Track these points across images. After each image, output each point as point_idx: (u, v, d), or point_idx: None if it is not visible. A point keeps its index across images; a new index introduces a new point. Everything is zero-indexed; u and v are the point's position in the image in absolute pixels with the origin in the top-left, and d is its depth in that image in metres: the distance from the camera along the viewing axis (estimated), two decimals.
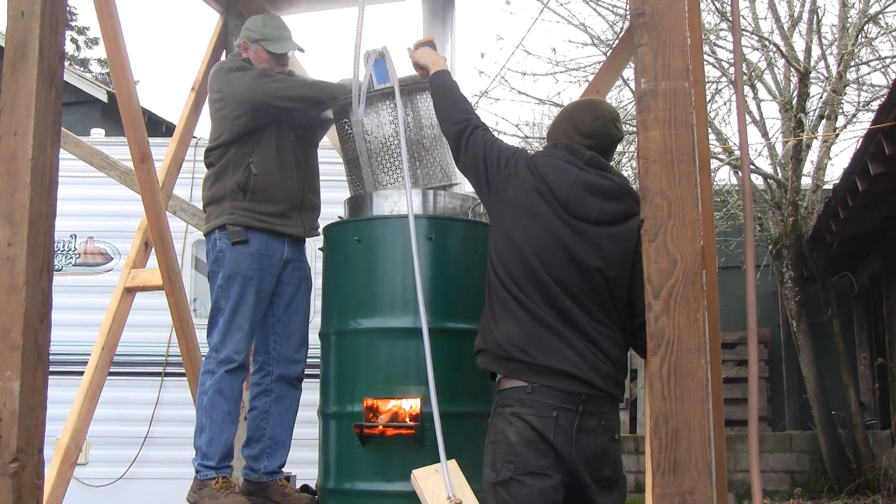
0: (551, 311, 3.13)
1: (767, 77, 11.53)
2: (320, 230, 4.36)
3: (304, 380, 4.35)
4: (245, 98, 4.14)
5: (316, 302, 4.28)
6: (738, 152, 10.35)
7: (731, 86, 11.36)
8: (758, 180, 11.42)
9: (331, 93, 4.18)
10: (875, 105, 10.14)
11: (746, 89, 11.12)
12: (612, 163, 3.47)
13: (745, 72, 10.88)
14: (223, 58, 5.19)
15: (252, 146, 4.16)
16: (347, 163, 4.24)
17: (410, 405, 3.69)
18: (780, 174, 11.15)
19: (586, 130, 3.38)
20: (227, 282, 4.12)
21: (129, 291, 5.04)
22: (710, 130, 9.80)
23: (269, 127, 4.18)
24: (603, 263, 3.18)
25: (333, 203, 4.48)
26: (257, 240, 4.12)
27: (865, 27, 10.93)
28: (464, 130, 3.47)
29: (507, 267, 3.20)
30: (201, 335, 4.52)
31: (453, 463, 3.53)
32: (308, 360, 4.35)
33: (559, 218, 3.19)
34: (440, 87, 3.68)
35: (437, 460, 3.66)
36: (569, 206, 3.21)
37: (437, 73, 3.72)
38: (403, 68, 4.05)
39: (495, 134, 3.56)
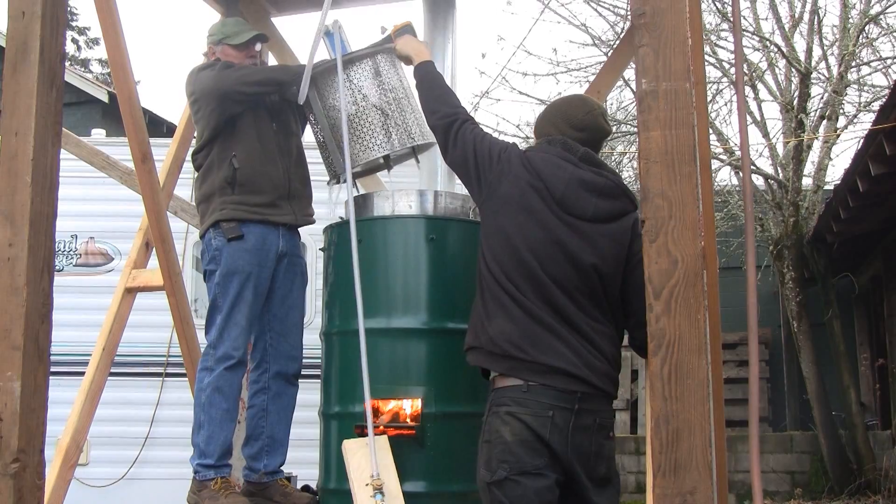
0: (547, 308, 3.12)
1: (768, 77, 11.53)
2: (314, 217, 4.38)
3: (305, 380, 4.35)
4: (214, 90, 4.17)
5: (317, 302, 4.28)
6: (738, 153, 10.36)
7: (731, 86, 11.37)
8: (758, 181, 11.42)
9: (293, 73, 4.18)
10: (876, 106, 10.14)
11: (747, 90, 11.12)
12: (608, 161, 3.47)
13: (746, 72, 10.89)
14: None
15: (234, 140, 4.19)
16: (317, 142, 4.21)
17: (411, 405, 3.69)
18: (780, 175, 11.15)
19: (579, 124, 3.38)
20: (225, 279, 4.12)
21: (130, 292, 5.05)
22: (710, 131, 9.79)
23: (247, 119, 4.19)
24: (598, 260, 3.18)
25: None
26: (252, 234, 4.12)
27: (866, 28, 10.95)
28: (451, 125, 3.45)
29: (501, 263, 3.18)
30: (202, 335, 4.52)
31: (384, 440, 3.55)
32: (309, 360, 4.35)
33: (554, 215, 3.19)
34: (424, 78, 3.67)
35: (438, 460, 3.67)
36: (565, 204, 3.20)
37: (422, 64, 3.71)
38: (364, 40, 4.07)
39: (495, 133, 3.54)
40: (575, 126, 3.38)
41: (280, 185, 4.23)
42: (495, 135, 3.53)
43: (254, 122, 4.22)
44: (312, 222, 4.40)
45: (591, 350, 3.13)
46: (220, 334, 4.09)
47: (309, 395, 4.28)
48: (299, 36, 4.99)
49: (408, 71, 4.00)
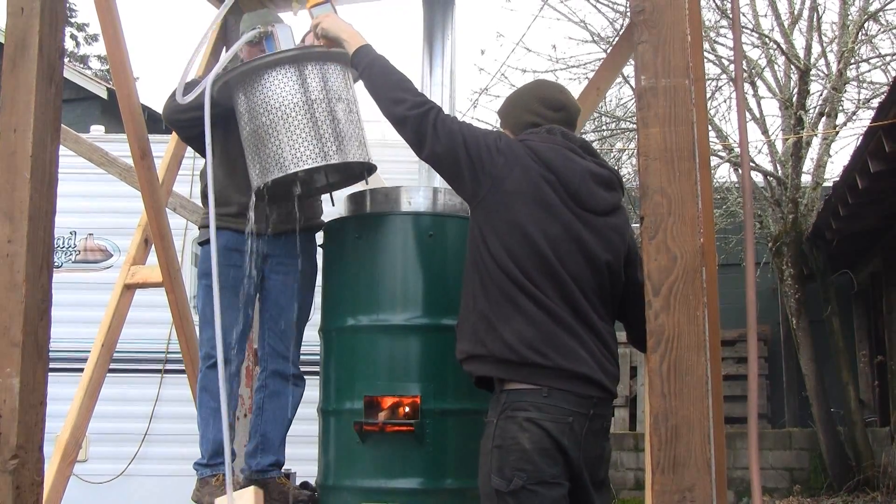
0: (566, 308, 2.98)
1: (767, 74, 11.55)
2: (307, 223, 4.27)
3: (305, 376, 4.35)
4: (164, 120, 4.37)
5: (316, 298, 4.28)
6: (738, 149, 10.36)
7: (731, 83, 11.39)
8: (758, 178, 11.44)
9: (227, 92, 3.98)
10: (875, 102, 10.15)
11: (746, 86, 11.13)
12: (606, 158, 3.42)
13: (746, 69, 10.89)
14: (223, 54, 5.19)
15: (211, 156, 4.21)
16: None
17: (410, 402, 3.69)
18: (780, 171, 11.17)
19: (557, 103, 3.27)
20: (199, 281, 4.23)
21: (129, 288, 5.05)
22: (710, 128, 9.80)
23: (218, 134, 4.14)
24: (611, 257, 3.10)
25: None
26: (223, 237, 4.15)
27: (865, 24, 10.96)
28: (426, 114, 3.12)
29: (517, 260, 2.98)
30: None
31: (250, 493, 3.61)
32: (308, 356, 4.35)
33: (570, 210, 3.05)
34: (373, 65, 3.29)
35: (437, 456, 3.67)
36: (579, 198, 3.07)
37: (363, 48, 3.34)
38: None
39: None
40: (553, 106, 3.26)
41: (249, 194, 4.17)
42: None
43: (221, 137, 4.15)
44: (289, 230, 4.18)
45: (604, 352, 3.04)
46: (201, 335, 4.22)
47: (308, 392, 4.29)
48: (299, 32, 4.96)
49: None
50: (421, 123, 3.13)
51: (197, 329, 4.98)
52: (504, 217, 3.04)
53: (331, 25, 3.51)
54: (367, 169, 3.98)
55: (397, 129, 3.24)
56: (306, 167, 3.68)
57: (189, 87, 4.19)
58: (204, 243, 4.23)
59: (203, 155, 4.37)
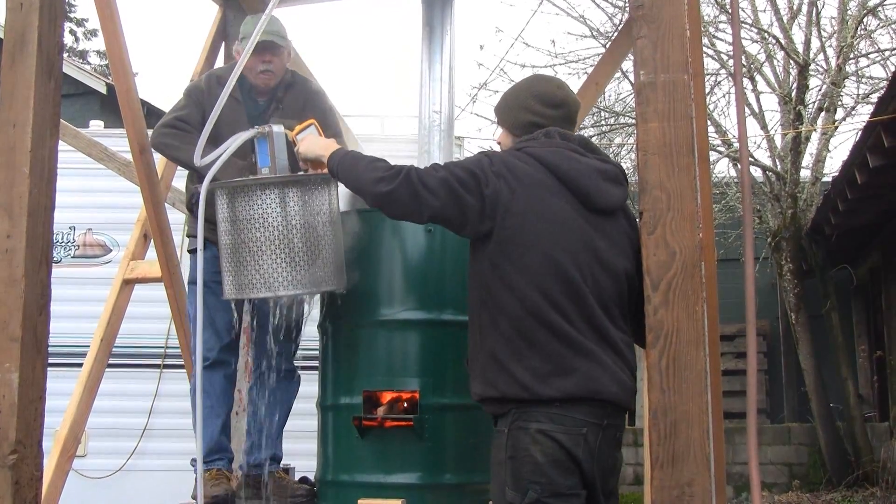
0: (587, 329, 2.90)
1: (766, 69, 11.54)
2: None
3: (303, 372, 4.36)
4: None
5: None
6: (737, 144, 10.37)
7: (730, 78, 11.37)
8: (757, 173, 11.44)
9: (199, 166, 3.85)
10: (874, 97, 10.15)
11: (745, 81, 11.12)
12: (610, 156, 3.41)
13: (745, 64, 10.88)
14: (222, 50, 5.19)
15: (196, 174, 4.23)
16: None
17: (409, 397, 3.69)
18: (779, 166, 11.17)
19: (556, 100, 3.16)
20: (189, 287, 4.30)
21: (128, 283, 5.06)
22: (709, 123, 9.80)
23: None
24: (627, 263, 3.02)
25: None
26: (213, 248, 4.16)
27: (865, 19, 10.94)
28: (408, 177, 2.99)
29: (543, 289, 2.89)
30: None
31: None
32: (307, 352, 4.35)
33: (580, 215, 2.97)
34: (343, 160, 3.24)
35: (436, 451, 3.68)
36: (589, 199, 2.99)
37: (334, 154, 3.29)
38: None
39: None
40: (552, 104, 3.16)
41: None
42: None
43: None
44: None
45: (620, 365, 2.96)
46: (192, 338, 4.19)
47: (307, 387, 4.29)
48: (296, 30, 4.95)
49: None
50: (408, 189, 2.99)
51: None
52: (519, 242, 2.94)
53: (307, 148, 3.49)
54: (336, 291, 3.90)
55: (388, 209, 3.11)
56: (280, 294, 3.66)
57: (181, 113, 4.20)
58: (193, 251, 4.21)
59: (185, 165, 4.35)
